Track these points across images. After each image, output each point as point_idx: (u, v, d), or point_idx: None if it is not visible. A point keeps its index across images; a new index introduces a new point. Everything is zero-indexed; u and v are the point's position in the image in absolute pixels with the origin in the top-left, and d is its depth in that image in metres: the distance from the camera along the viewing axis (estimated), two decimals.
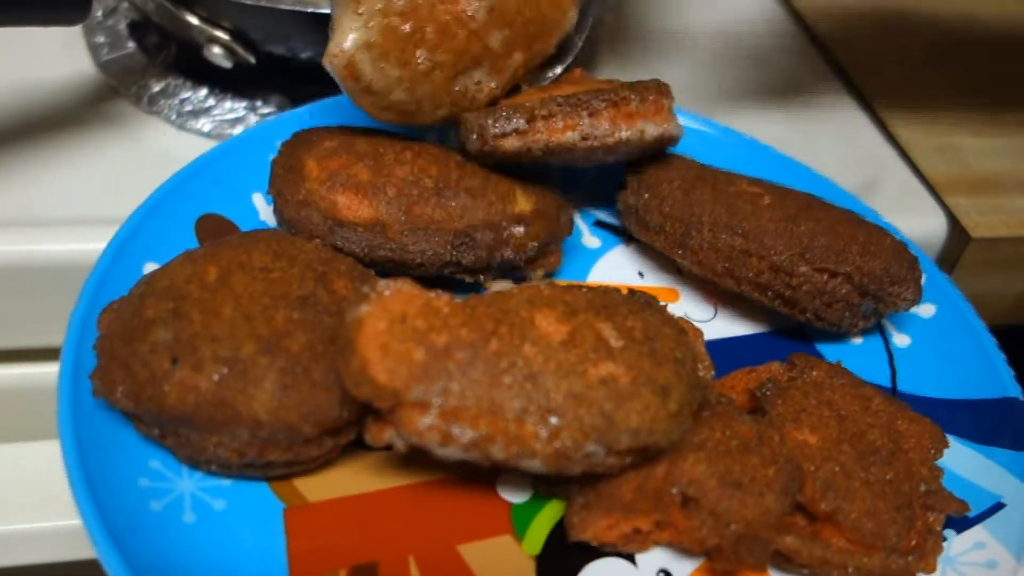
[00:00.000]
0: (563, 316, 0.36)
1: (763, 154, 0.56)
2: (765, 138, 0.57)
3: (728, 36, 0.75)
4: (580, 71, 0.50)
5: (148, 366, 0.35)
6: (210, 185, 0.47)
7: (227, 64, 0.56)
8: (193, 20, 0.54)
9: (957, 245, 0.58)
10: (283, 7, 0.52)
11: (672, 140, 0.48)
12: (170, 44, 0.62)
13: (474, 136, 0.45)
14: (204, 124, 0.58)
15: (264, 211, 0.48)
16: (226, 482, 0.37)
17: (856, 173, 0.61)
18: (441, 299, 0.36)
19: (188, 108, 0.59)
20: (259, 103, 0.59)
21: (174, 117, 0.58)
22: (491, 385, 0.33)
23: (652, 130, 0.46)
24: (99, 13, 0.65)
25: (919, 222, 0.58)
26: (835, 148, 0.64)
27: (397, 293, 0.35)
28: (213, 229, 0.45)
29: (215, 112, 0.59)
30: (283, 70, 0.58)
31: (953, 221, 0.58)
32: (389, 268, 0.43)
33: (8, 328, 0.53)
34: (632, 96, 0.45)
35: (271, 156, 0.47)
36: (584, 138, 0.44)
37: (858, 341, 0.49)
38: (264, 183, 0.46)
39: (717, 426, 0.38)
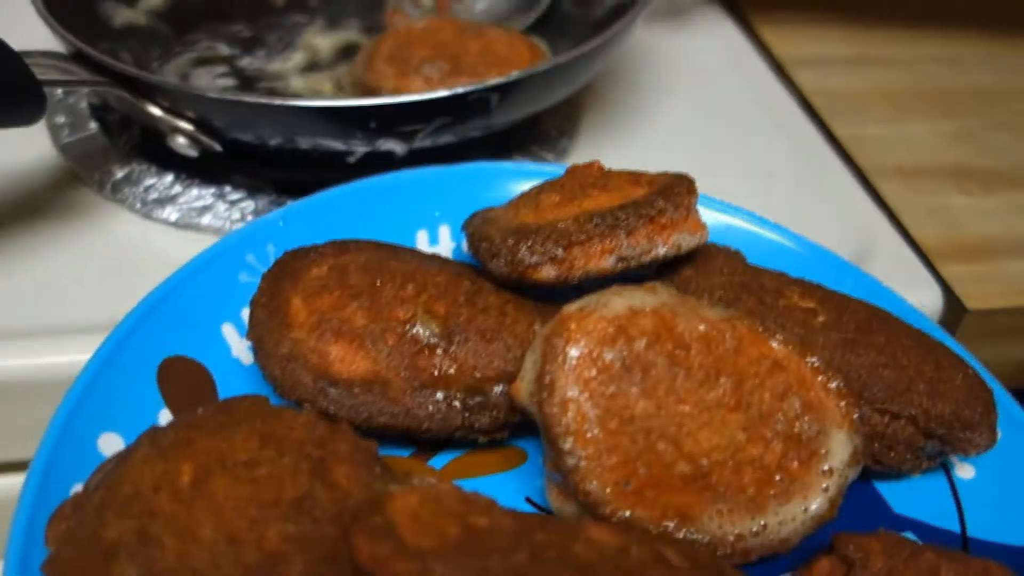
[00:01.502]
0: (617, 532, 0.31)
1: (808, 251, 0.50)
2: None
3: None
4: (599, 164, 0.46)
5: None
6: (172, 320, 0.40)
7: (192, 153, 0.53)
8: (156, 111, 0.51)
9: (953, 315, 0.56)
10: (246, 100, 0.50)
11: (702, 246, 0.44)
12: (133, 125, 0.60)
13: (502, 262, 0.40)
14: (171, 213, 0.55)
15: (237, 346, 0.42)
16: None
17: (847, 240, 0.59)
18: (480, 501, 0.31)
19: (153, 196, 0.56)
20: (227, 189, 0.56)
21: (139, 206, 0.55)
22: (535, 570, 0.28)
23: (688, 242, 0.42)
24: (59, 91, 0.62)
25: (914, 294, 0.56)
26: (822, 210, 0.62)
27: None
28: (180, 376, 0.39)
29: (182, 200, 0.56)
30: (252, 156, 0.56)
31: (948, 291, 0.56)
32: (392, 435, 0.38)
33: None
34: (667, 206, 0.41)
35: (241, 275, 0.41)
36: (621, 259, 0.40)
37: (916, 474, 0.43)
38: (235, 308, 0.41)
39: None
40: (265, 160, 0.56)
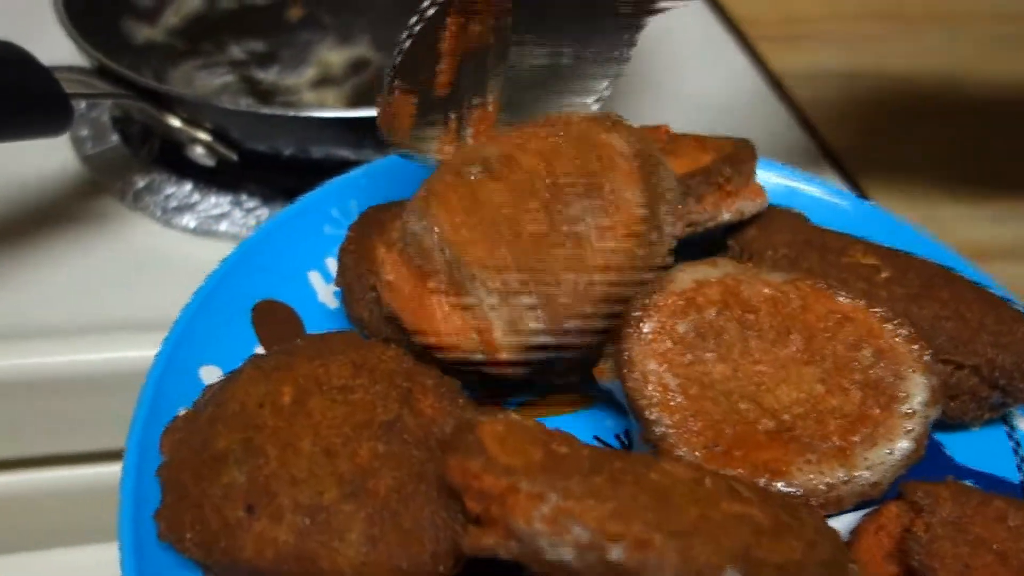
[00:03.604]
0: (691, 466, 0.33)
1: (869, 216, 0.51)
2: None
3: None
4: (666, 128, 0.47)
5: (221, 513, 0.32)
6: (264, 267, 0.44)
7: (209, 163, 0.56)
8: (175, 122, 0.54)
9: None
10: (264, 111, 0.52)
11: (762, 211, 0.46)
12: (154, 137, 0.63)
13: None
14: (189, 220, 0.58)
15: (323, 291, 0.44)
16: None
17: None
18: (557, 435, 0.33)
19: (173, 204, 0.59)
20: (243, 197, 0.59)
21: (159, 214, 0.59)
22: (614, 490, 0.30)
23: (749, 208, 0.44)
24: (82, 105, 0.65)
25: None
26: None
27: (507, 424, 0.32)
28: (271, 317, 0.42)
29: (200, 208, 0.59)
30: (266, 165, 0.59)
31: None
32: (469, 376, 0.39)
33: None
34: (733, 173, 0.42)
35: (325, 227, 0.45)
36: (689, 224, 0.42)
37: (976, 426, 0.44)
38: (320, 257, 0.44)
39: None
40: (279, 169, 0.58)
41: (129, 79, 0.54)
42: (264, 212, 0.59)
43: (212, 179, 0.60)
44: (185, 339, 0.40)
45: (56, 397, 0.51)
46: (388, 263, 0.37)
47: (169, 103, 0.54)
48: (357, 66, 0.70)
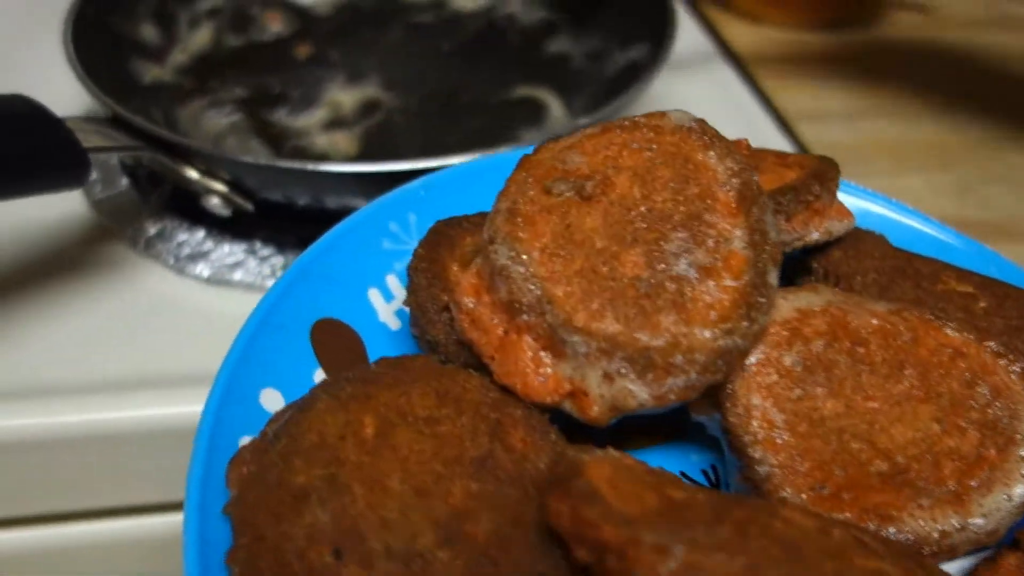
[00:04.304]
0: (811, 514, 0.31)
1: (950, 237, 0.49)
2: None
3: None
4: (746, 142, 0.44)
5: (305, 557, 0.29)
6: (321, 285, 0.40)
7: (225, 213, 0.55)
8: (192, 174, 0.53)
9: None
10: (284, 165, 0.52)
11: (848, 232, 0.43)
12: (163, 181, 0.62)
13: None
14: (203, 269, 0.57)
15: (383, 311, 0.41)
16: None
17: None
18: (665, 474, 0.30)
19: (186, 252, 0.57)
20: (257, 245, 0.58)
21: (172, 262, 0.57)
22: (743, 543, 0.27)
23: (837, 228, 0.42)
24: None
25: None
26: None
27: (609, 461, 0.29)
28: (331, 337, 0.39)
29: (214, 256, 0.57)
30: (280, 214, 0.58)
31: None
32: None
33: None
34: (822, 191, 0.40)
35: (384, 242, 0.42)
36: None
37: None
38: (380, 274, 0.41)
39: None
40: (293, 217, 0.57)
41: (146, 130, 0.52)
42: (279, 260, 0.57)
43: (225, 227, 0.58)
44: (244, 362, 0.36)
45: (69, 456, 0.49)
46: (466, 287, 0.35)
47: (186, 154, 0.53)
48: (368, 107, 0.69)
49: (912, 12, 0.93)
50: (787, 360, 0.35)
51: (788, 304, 0.36)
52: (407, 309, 0.38)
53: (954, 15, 0.96)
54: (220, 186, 0.54)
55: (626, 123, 0.38)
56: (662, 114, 0.38)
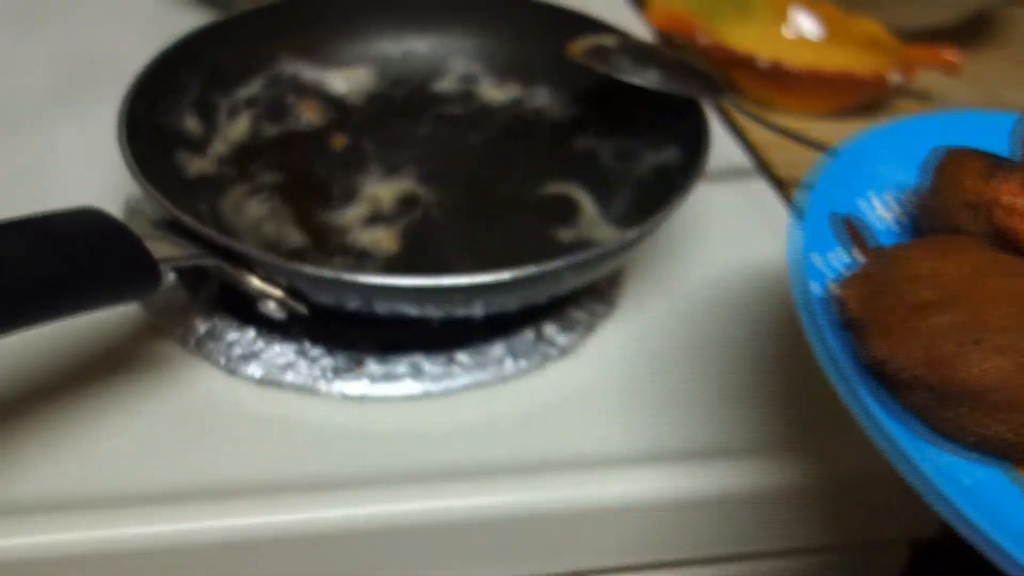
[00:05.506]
0: None
1: None
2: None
3: None
4: None
5: (947, 340, 0.40)
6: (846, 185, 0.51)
7: (281, 317, 0.56)
8: (254, 281, 0.54)
9: None
10: (347, 279, 0.53)
11: None
12: (211, 278, 0.63)
13: None
14: (255, 370, 0.58)
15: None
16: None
17: None
18: None
19: (237, 352, 0.58)
20: (307, 345, 0.59)
21: (223, 361, 0.58)
22: None
23: None
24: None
25: None
26: None
27: None
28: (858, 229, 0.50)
29: (265, 356, 0.58)
30: (331, 316, 0.59)
31: None
32: None
33: None
34: None
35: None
36: None
37: None
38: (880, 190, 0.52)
39: None
40: (342, 319, 0.59)
41: (211, 239, 0.54)
42: (329, 362, 0.59)
43: (275, 326, 0.60)
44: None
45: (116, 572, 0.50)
46: (1007, 189, 0.46)
47: (248, 262, 0.54)
48: (406, 202, 0.71)
49: (914, 99, 0.97)
50: None
51: None
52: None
53: (954, 103, 1.00)
54: (277, 292, 0.55)
55: None
56: None
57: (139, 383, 0.57)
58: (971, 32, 1.09)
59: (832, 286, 0.45)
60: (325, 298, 0.56)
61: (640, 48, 0.72)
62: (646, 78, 0.70)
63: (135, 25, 0.91)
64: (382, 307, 0.56)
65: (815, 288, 0.44)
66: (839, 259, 0.47)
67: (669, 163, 0.71)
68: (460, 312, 0.57)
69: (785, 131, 0.77)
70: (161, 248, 0.51)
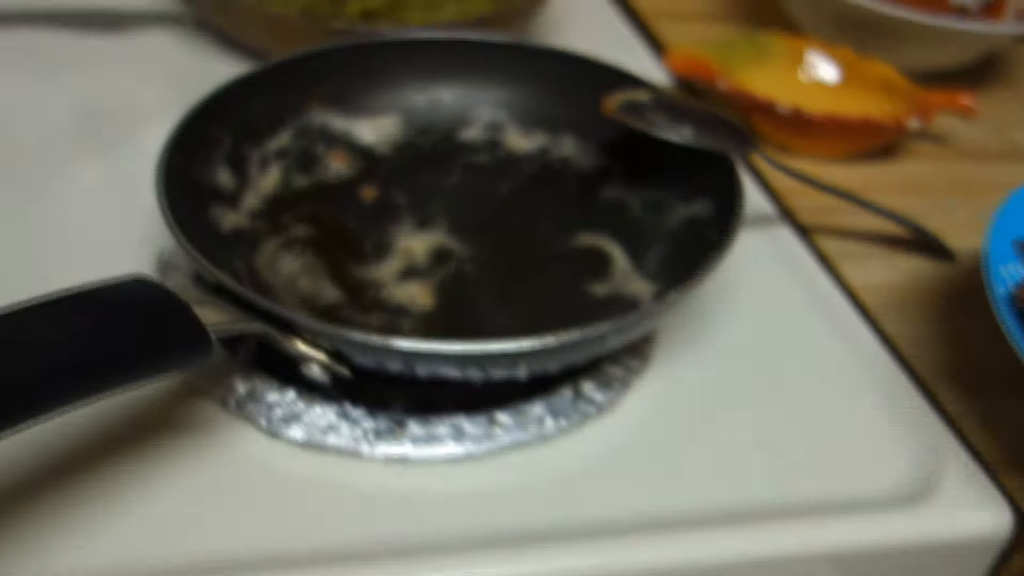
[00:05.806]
0: None
1: None
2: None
3: None
4: None
5: None
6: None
7: (325, 380, 0.56)
8: (302, 347, 0.54)
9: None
10: (395, 346, 0.53)
11: None
12: (249, 338, 0.63)
13: None
14: (297, 432, 0.58)
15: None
16: None
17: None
18: None
19: (279, 413, 0.58)
20: (349, 407, 0.59)
21: (265, 423, 0.58)
22: None
23: None
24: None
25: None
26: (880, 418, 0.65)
27: None
28: None
29: (306, 418, 0.58)
30: (371, 378, 0.59)
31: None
32: None
33: None
34: None
35: None
36: None
37: None
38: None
39: None
40: (383, 381, 0.59)
41: (259, 305, 0.54)
42: (370, 424, 0.59)
43: (315, 388, 0.60)
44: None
45: None
46: None
47: (293, 327, 0.54)
48: (439, 256, 0.71)
49: (930, 142, 0.98)
50: None
51: None
52: None
53: (965, 146, 1.01)
54: (322, 355, 0.55)
55: None
56: None
57: (181, 447, 0.57)
58: (979, 72, 1.10)
59: (1013, 288, 0.58)
60: (368, 362, 0.56)
61: (673, 103, 0.72)
62: (680, 134, 0.70)
63: (161, 73, 0.91)
64: (423, 369, 0.56)
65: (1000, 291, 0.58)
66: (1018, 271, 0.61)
67: (700, 216, 0.71)
68: (502, 375, 0.57)
69: (808, 178, 0.78)
70: (209, 315, 0.51)
